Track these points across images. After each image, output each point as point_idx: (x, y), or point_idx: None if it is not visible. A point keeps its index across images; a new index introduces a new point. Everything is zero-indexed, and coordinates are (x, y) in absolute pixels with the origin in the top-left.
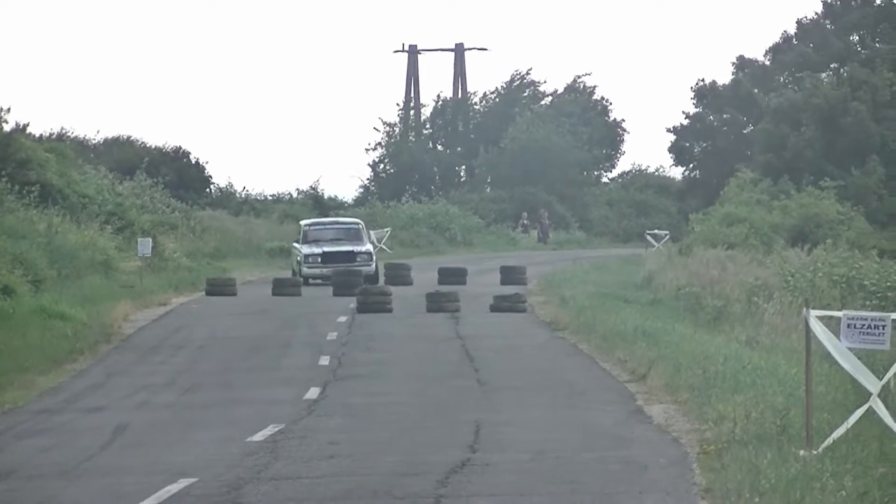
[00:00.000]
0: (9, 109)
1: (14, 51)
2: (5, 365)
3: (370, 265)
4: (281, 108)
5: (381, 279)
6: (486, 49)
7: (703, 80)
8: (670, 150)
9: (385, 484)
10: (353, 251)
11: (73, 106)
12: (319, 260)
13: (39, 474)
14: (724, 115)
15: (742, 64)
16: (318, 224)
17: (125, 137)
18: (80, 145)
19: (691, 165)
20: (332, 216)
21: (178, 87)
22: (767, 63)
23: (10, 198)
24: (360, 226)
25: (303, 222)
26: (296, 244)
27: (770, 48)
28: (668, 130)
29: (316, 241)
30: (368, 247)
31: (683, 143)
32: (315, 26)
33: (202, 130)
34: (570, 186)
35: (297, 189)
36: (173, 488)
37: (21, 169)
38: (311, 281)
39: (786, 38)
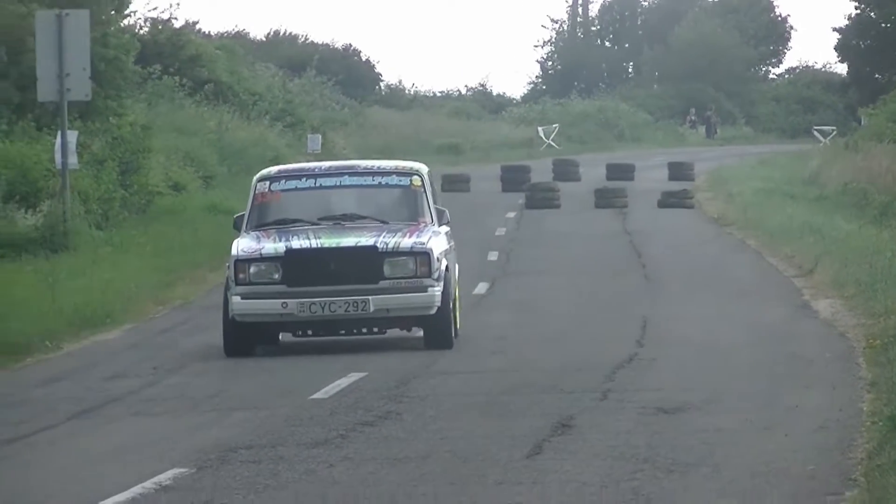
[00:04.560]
0: (178, 5)
1: None
2: (177, 261)
3: (430, 292)
4: (449, 4)
5: (550, 175)
6: None
7: None
8: (835, 48)
9: (552, 378)
10: (374, 247)
11: (242, 4)
12: (277, 276)
13: (210, 369)
14: (888, 13)
15: None
16: (295, 176)
17: (293, 35)
18: (250, 43)
19: (856, 62)
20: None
21: None
22: None
23: (181, 94)
24: (420, 182)
25: (259, 174)
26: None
27: None
28: (834, 30)
29: (282, 226)
30: (428, 238)
31: (847, 41)
32: None
33: (372, 28)
34: (737, 83)
35: (466, 86)
36: (343, 382)
37: (192, 66)
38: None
39: None
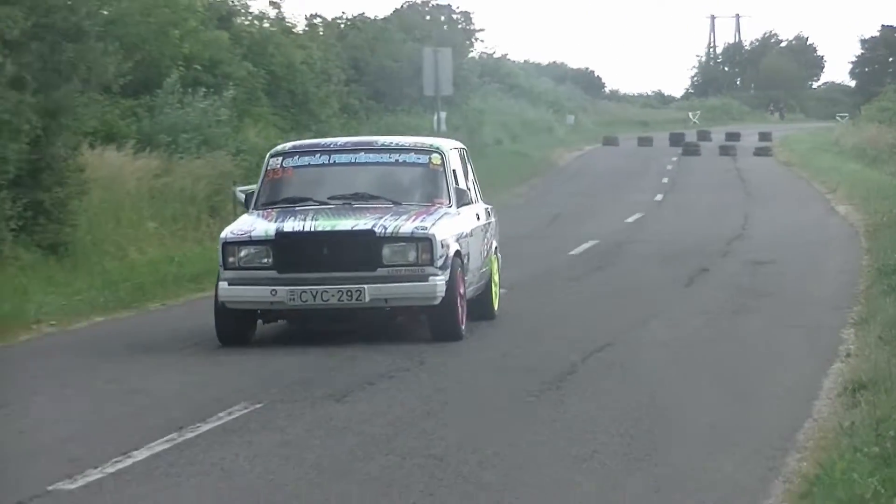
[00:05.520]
0: (482, 29)
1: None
2: (501, 178)
3: (431, 281)
4: (646, 41)
5: (695, 138)
6: (750, 16)
7: (863, 34)
8: (849, 73)
9: (695, 245)
10: (372, 231)
11: (533, 41)
12: (267, 260)
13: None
14: (878, 55)
15: (886, 26)
16: (309, 151)
17: (561, 63)
18: (537, 66)
19: (860, 80)
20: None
21: (592, 25)
22: None
23: (499, 93)
24: (440, 161)
25: (273, 150)
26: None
27: None
28: (849, 62)
29: (288, 206)
30: (434, 223)
31: (856, 69)
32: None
33: (602, 56)
34: (796, 89)
35: (651, 90)
36: (585, 245)
37: (505, 78)
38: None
39: None
